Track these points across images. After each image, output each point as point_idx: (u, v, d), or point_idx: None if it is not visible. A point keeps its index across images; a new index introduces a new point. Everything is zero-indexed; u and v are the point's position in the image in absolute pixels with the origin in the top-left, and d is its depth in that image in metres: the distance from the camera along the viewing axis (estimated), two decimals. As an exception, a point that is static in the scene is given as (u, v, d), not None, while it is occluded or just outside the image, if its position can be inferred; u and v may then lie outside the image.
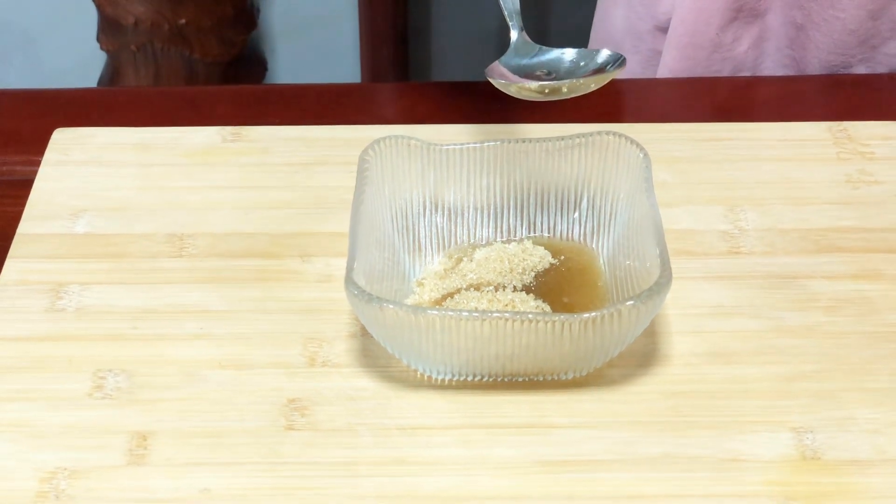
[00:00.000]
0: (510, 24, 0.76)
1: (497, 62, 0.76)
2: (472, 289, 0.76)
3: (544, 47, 0.77)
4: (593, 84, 0.75)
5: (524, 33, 0.76)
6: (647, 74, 1.08)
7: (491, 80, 0.75)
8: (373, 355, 0.74)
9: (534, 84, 0.75)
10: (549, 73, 0.75)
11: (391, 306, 0.69)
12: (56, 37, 1.95)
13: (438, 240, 0.80)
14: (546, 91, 0.74)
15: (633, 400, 0.72)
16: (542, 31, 1.89)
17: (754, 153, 0.88)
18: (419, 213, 0.79)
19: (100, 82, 1.84)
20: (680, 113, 0.94)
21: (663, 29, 1.05)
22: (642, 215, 0.75)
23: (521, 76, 0.76)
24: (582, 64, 0.76)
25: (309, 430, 0.71)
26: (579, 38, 1.17)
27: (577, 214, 0.80)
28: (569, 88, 0.75)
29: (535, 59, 0.76)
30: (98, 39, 1.81)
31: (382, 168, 0.78)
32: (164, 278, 0.79)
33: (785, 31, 1.02)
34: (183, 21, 1.77)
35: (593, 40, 1.14)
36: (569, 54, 0.77)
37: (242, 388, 0.73)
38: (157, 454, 0.69)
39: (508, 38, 0.79)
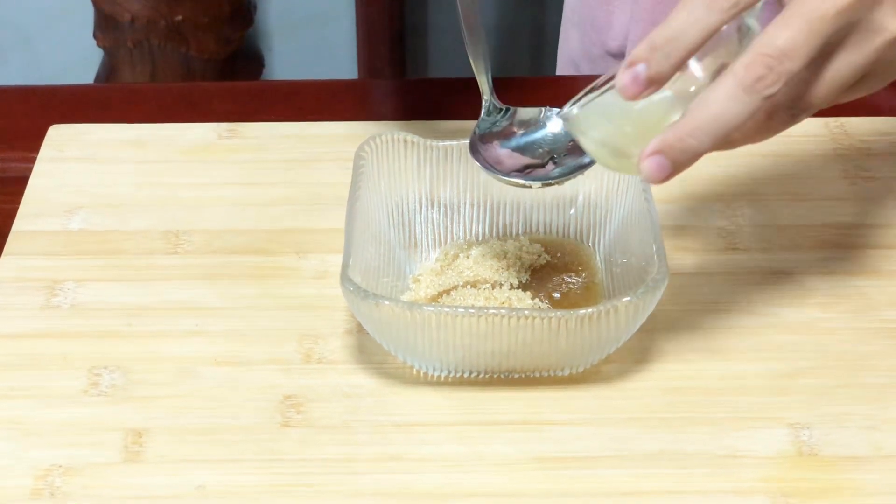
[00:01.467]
0: (483, 89, 0.76)
1: (482, 142, 0.75)
2: (468, 286, 0.76)
3: (516, 109, 0.76)
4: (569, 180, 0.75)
5: (494, 96, 0.76)
6: None
7: (481, 168, 0.75)
8: (369, 352, 0.74)
9: (521, 180, 0.74)
10: (532, 149, 0.76)
11: (387, 303, 0.69)
12: (53, 33, 1.95)
13: (434, 236, 0.80)
14: (531, 186, 0.74)
15: (630, 396, 0.72)
16: (541, 28, 1.90)
17: (751, 149, 0.87)
18: (415, 209, 0.79)
19: (96, 79, 1.84)
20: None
21: (615, 55, 1.05)
22: (639, 211, 0.75)
23: (502, 148, 0.76)
24: (565, 152, 0.76)
25: (305, 426, 0.71)
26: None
27: (573, 211, 0.80)
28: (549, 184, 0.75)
29: (520, 141, 0.76)
30: (94, 36, 1.81)
31: (378, 164, 0.78)
32: (159, 275, 0.79)
33: None
34: (179, 18, 1.77)
35: (560, 59, 1.13)
36: (549, 131, 0.76)
37: (238, 384, 0.73)
38: (152, 451, 0.69)
39: (503, 38, 0.79)
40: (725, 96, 0.63)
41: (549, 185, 0.71)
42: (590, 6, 1.06)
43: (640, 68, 0.64)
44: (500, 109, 0.76)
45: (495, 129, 0.76)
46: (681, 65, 0.64)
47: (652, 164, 0.64)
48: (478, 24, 0.77)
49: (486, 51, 0.76)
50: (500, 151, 0.75)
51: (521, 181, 0.72)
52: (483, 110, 0.76)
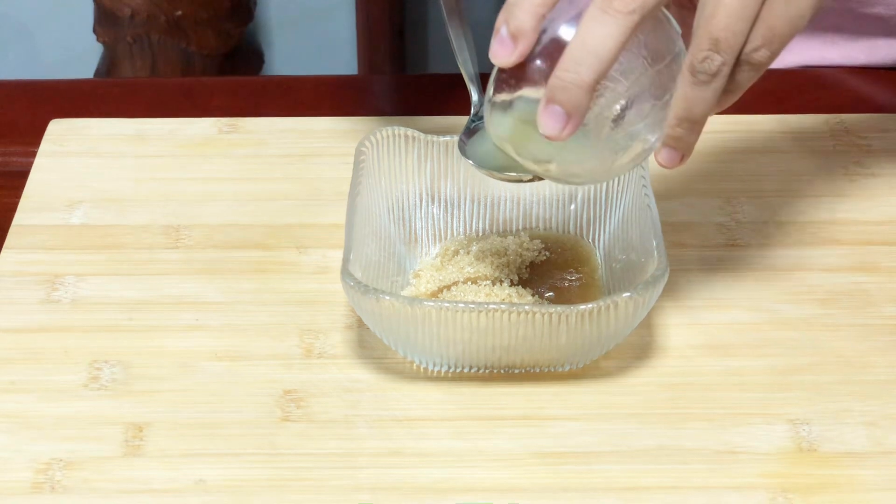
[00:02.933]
0: (470, 88, 0.76)
1: (471, 141, 0.75)
2: (468, 282, 0.76)
3: None
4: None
5: (482, 98, 0.76)
6: None
7: (473, 165, 0.75)
8: (369, 347, 0.74)
9: (512, 174, 0.74)
10: None
11: (387, 298, 0.69)
12: (52, 28, 1.95)
13: (435, 231, 0.80)
14: (522, 180, 0.74)
15: (630, 392, 0.72)
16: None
17: (751, 145, 0.88)
18: (415, 204, 0.79)
19: (96, 74, 1.83)
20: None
21: None
22: (639, 207, 0.75)
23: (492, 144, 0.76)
24: None
25: (305, 421, 0.71)
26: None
27: (573, 207, 0.80)
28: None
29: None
30: (94, 31, 1.81)
31: (379, 160, 0.78)
32: (159, 269, 0.79)
33: None
34: (179, 13, 1.76)
35: None
36: None
37: (238, 379, 0.73)
38: (152, 445, 0.69)
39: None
40: (588, 21, 0.64)
41: (541, 178, 0.71)
42: None
43: (503, 29, 0.66)
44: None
45: (482, 128, 0.76)
46: (539, 14, 0.65)
47: (546, 115, 0.65)
48: (464, 28, 0.77)
49: (473, 54, 0.77)
50: (490, 148, 0.75)
51: (513, 174, 0.72)
52: (472, 112, 0.76)
